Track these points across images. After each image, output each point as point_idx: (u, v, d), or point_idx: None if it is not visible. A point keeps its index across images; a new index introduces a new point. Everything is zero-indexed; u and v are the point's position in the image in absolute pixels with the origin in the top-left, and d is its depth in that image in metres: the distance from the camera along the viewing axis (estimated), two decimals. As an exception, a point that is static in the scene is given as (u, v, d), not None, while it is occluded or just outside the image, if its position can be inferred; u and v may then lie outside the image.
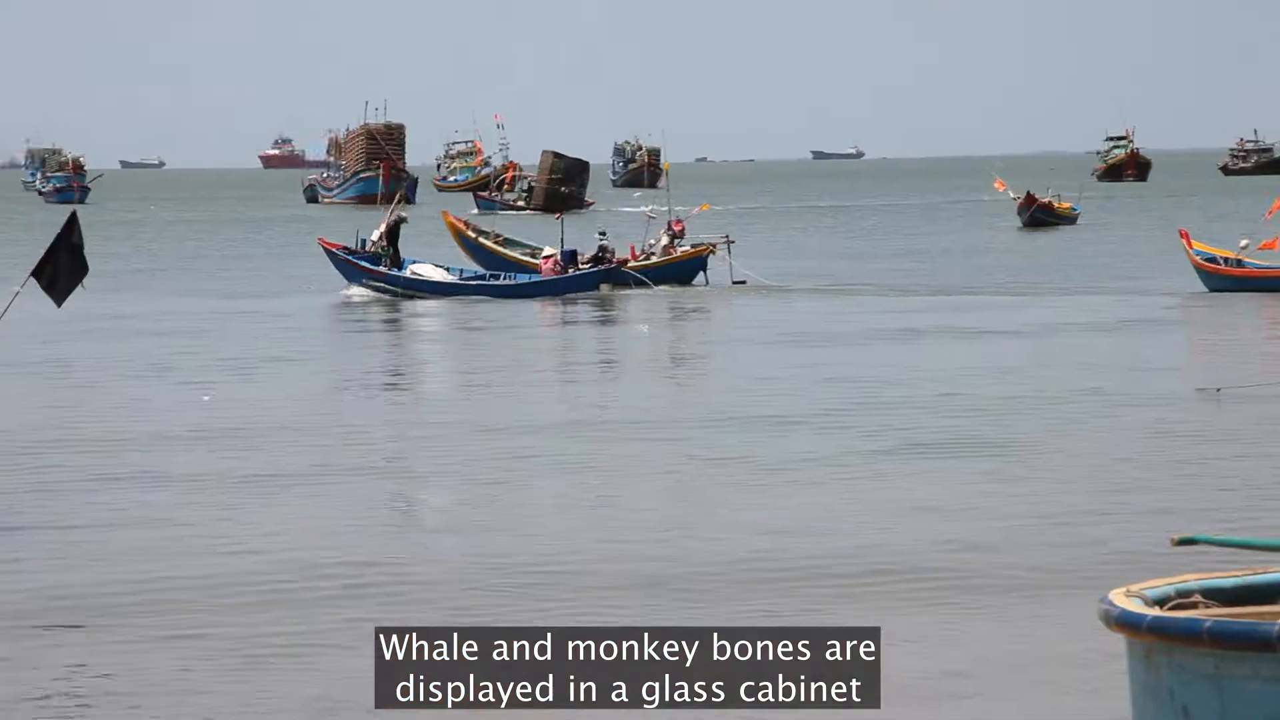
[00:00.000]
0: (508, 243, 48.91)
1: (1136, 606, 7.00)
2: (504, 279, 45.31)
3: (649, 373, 30.55)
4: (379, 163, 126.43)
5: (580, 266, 45.00)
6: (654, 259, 47.12)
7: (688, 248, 47.62)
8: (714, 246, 47.85)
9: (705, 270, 47.37)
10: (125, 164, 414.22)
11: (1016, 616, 13.46)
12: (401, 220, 45.72)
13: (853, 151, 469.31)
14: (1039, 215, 76.90)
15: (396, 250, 44.98)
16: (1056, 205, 78.77)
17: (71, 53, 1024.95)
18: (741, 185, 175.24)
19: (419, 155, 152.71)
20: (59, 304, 17.67)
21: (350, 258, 44.98)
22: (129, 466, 20.11)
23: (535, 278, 44.83)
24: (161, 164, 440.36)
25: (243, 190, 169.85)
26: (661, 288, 45.13)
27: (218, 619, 13.45)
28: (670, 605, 13.68)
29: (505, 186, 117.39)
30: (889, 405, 24.53)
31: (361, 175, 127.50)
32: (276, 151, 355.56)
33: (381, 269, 44.37)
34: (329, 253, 45.84)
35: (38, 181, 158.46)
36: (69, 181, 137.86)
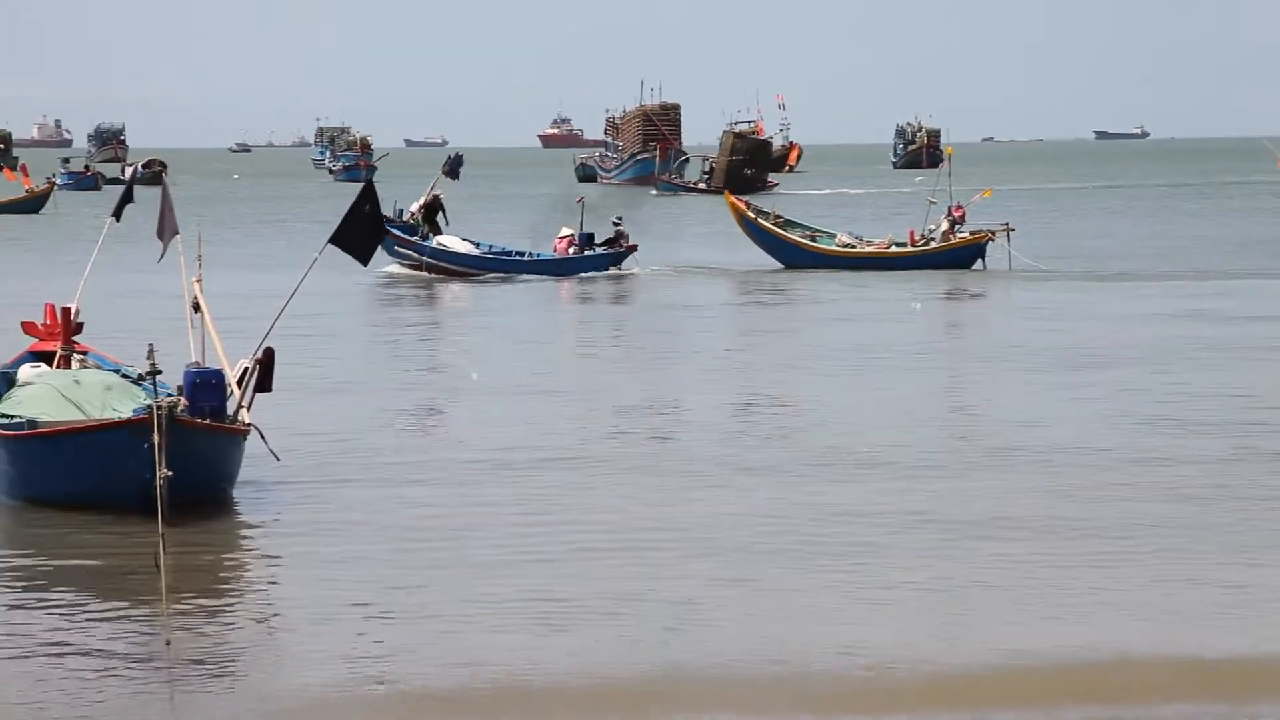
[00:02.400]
0: (787, 224, 49.11)
1: None
2: (528, 256, 46.21)
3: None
4: (656, 143, 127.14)
5: (595, 249, 45.73)
6: (933, 244, 47.06)
7: (967, 234, 47.40)
8: (993, 233, 47.52)
9: (984, 257, 47.13)
10: (410, 143, 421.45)
11: None
12: (438, 197, 46.37)
13: (1137, 131, 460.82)
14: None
15: (435, 225, 45.85)
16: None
17: (361, 33, 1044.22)
18: (1025, 166, 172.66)
19: (699, 135, 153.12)
20: (365, 264, 18.55)
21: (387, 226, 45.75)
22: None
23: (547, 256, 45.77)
24: (444, 143, 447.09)
25: (519, 169, 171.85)
26: (934, 272, 45.16)
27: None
28: None
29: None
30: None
31: (638, 156, 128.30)
32: (555, 131, 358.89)
33: (408, 238, 45.10)
34: None
35: (327, 160, 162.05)
36: (357, 160, 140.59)
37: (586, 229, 46.19)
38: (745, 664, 12.26)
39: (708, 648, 12.60)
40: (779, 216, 49.10)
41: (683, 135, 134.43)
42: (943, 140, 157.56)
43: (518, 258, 46.11)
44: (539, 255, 46.35)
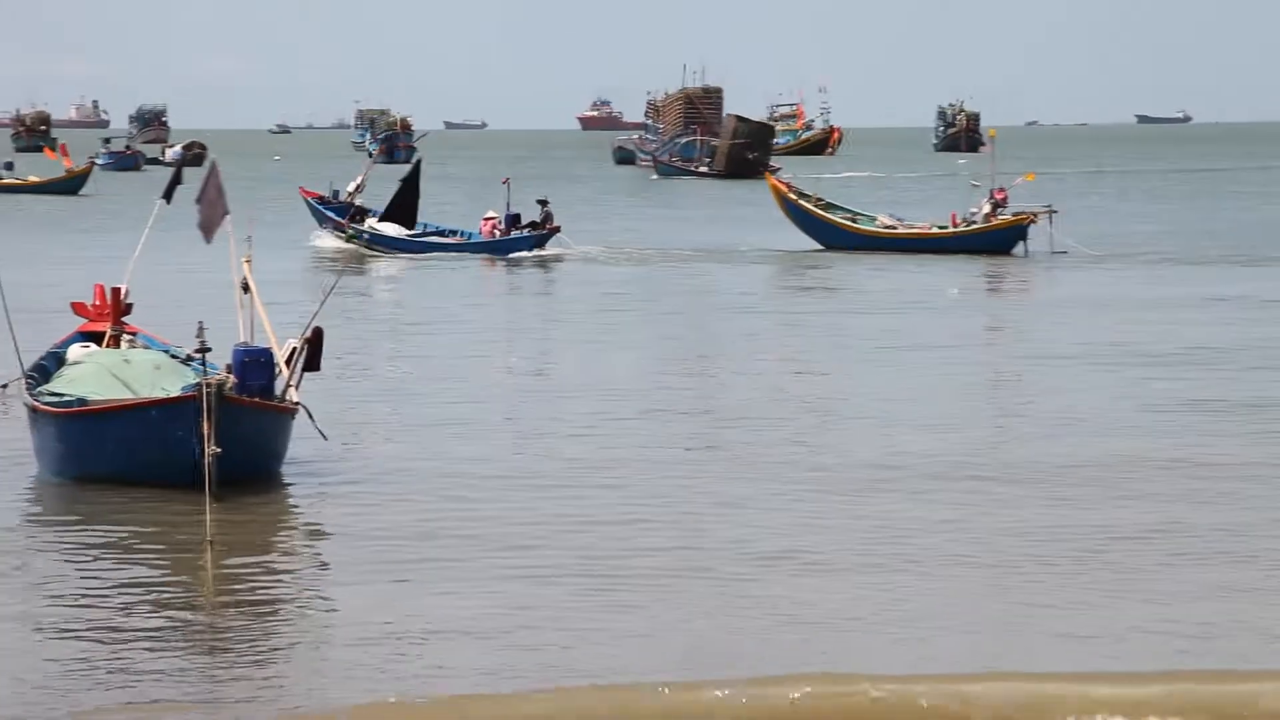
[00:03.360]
0: (829, 206, 49.10)
1: None
2: (460, 237, 47.22)
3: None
4: (697, 127, 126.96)
5: (521, 230, 46.61)
6: (975, 226, 46.97)
7: (1008, 216, 47.28)
8: (1035, 216, 47.36)
9: (1026, 240, 46.96)
10: (449, 124, 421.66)
11: None
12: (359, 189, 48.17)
13: (1179, 115, 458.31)
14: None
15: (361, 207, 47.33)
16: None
17: (401, 14, 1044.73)
18: (1069, 149, 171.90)
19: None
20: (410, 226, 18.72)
21: (321, 207, 48.24)
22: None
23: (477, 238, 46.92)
24: (484, 125, 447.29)
25: (557, 150, 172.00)
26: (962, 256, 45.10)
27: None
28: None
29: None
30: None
31: (679, 139, 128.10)
32: (595, 113, 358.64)
33: (339, 220, 47.16)
34: (306, 201, 49.22)
35: (367, 141, 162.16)
36: (396, 141, 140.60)
37: (526, 210, 47.12)
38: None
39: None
40: (820, 199, 49.16)
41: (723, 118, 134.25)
42: (983, 123, 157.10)
43: (448, 239, 47.00)
44: (471, 236, 47.34)
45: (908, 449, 19.11)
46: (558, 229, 46.45)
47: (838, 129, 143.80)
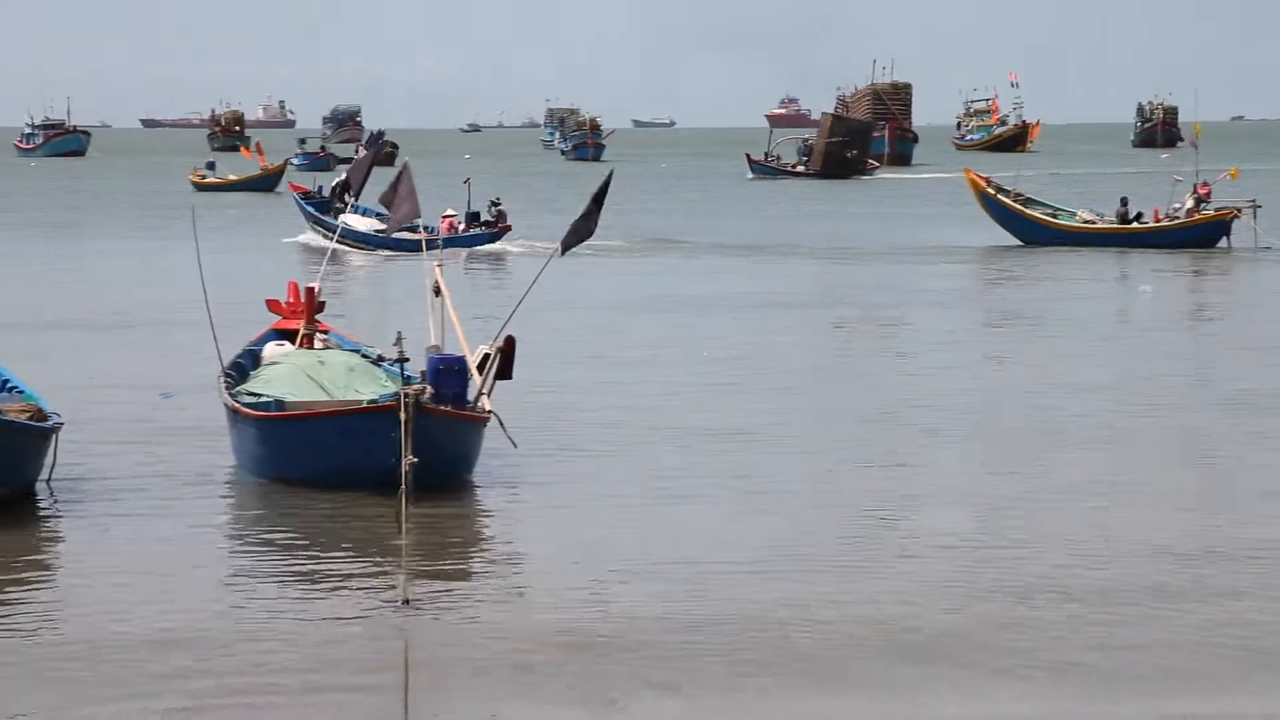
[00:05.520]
0: (1028, 202, 48.55)
1: None
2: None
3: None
4: (885, 123, 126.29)
5: (478, 228, 48.01)
6: (1178, 221, 46.10)
7: (1211, 211, 46.31)
8: (1238, 210, 46.36)
9: (1229, 235, 45.97)
10: (637, 123, 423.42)
11: None
12: (348, 185, 49.47)
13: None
14: None
15: (344, 203, 48.92)
16: None
17: (591, 12, 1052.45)
18: (1277, 144, 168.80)
19: (933, 115, 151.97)
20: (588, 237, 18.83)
21: (303, 202, 50.33)
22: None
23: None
24: (671, 123, 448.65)
25: (741, 147, 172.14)
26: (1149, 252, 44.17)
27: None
28: None
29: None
30: None
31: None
32: (782, 110, 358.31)
33: (321, 216, 49.04)
34: (293, 196, 51.56)
35: (556, 140, 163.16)
36: (585, 139, 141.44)
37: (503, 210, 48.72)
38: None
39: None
40: (1019, 194, 48.72)
41: (913, 115, 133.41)
42: (1180, 118, 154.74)
43: (413, 235, 47.63)
44: (433, 233, 48.29)
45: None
46: (509, 228, 48.03)
47: (1036, 124, 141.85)
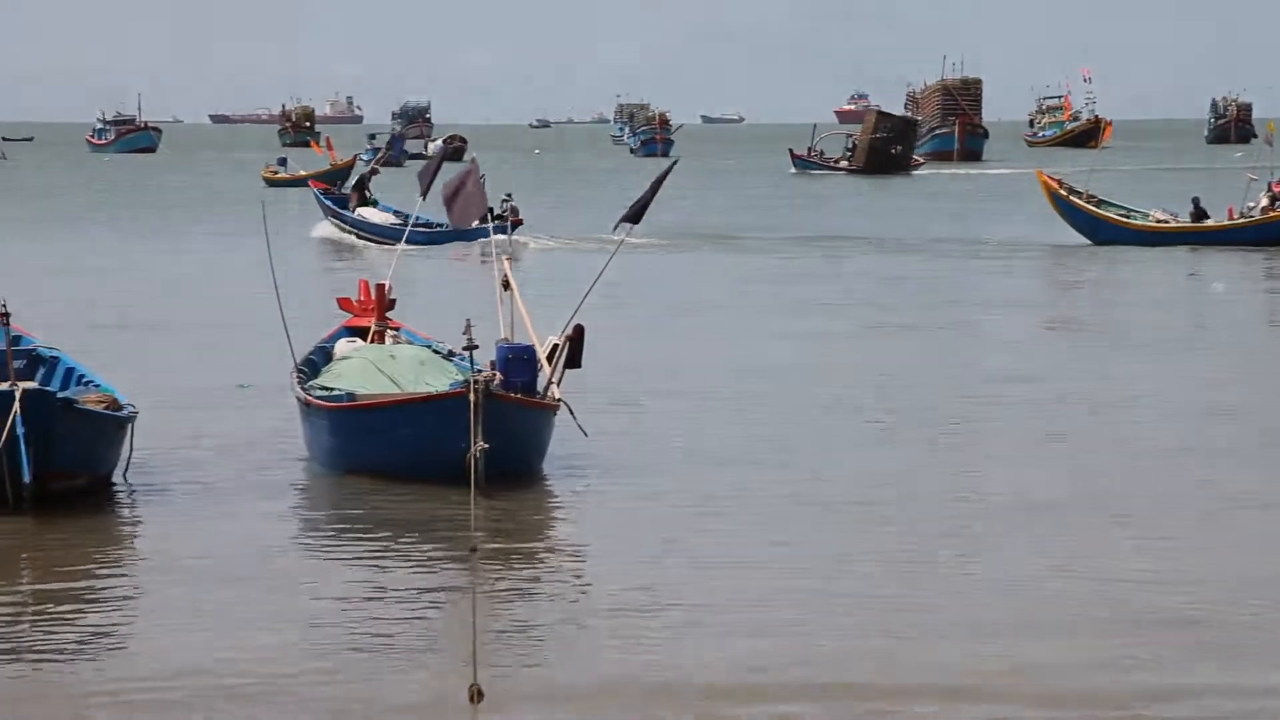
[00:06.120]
0: (1101, 203, 48.21)
1: None
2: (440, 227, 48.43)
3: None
4: (955, 118, 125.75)
5: (491, 221, 46.96)
6: (1253, 219, 45.75)
7: (1286, 209, 45.93)
8: (1315, 206, 45.93)
9: (1302, 232, 45.60)
10: (706, 119, 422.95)
11: None
12: (375, 173, 53.78)
13: None
14: None
15: (363, 197, 50.36)
16: None
17: (659, 7, 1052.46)
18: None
19: (1004, 111, 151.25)
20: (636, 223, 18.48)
21: (321, 196, 51.61)
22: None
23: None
24: (740, 119, 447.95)
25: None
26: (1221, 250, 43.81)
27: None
28: None
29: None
30: None
31: (937, 131, 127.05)
32: (852, 107, 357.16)
33: (340, 210, 50.09)
34: (314, 192, 52.90)
35: (626, 135, 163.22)
36: (654, 135, 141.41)
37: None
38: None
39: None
40: (1092, 194, 48.41)
41: (983, 110, 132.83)
42: (1255, 114, 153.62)
43: (432, 230, 47.82)
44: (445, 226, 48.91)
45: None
46: (520, 221, 48.61)
47: (1109, 124, 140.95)
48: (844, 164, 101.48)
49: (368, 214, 49.54)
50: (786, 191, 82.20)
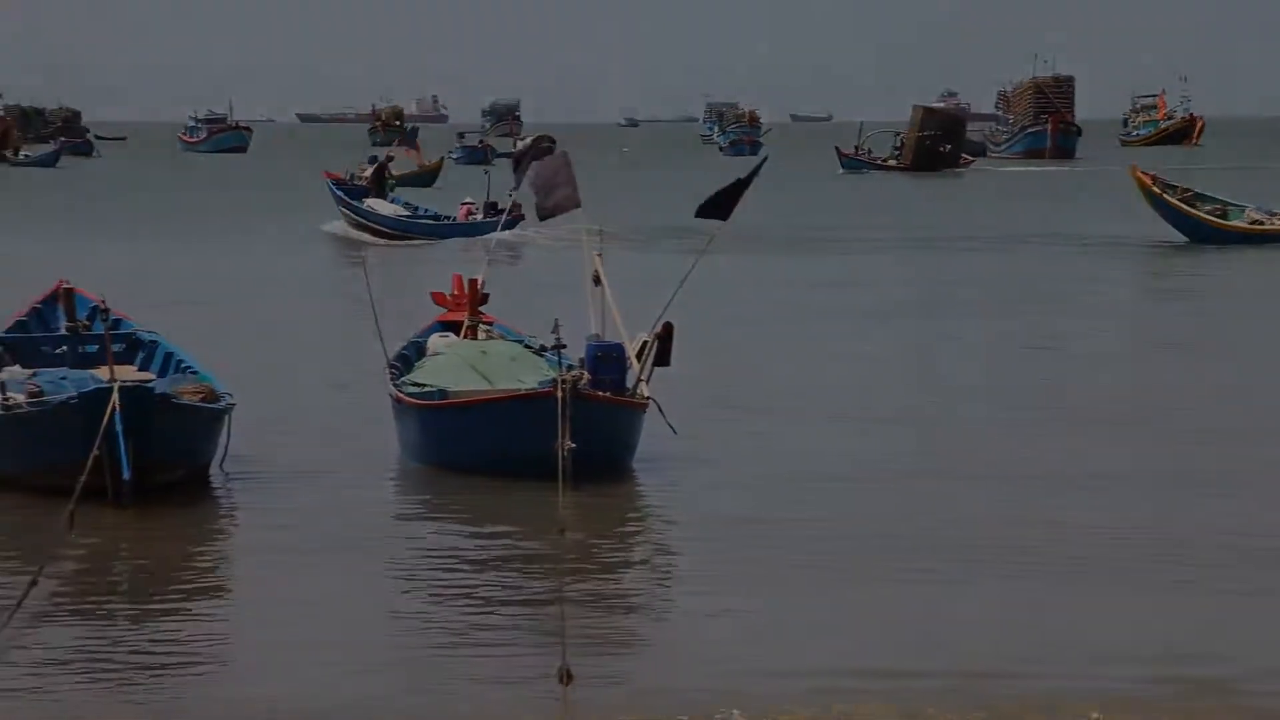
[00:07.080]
0: (1196, 198, 47.81)
1: None
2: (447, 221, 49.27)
3: None
4: (1047, 116, 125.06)
5: (496, 216, 47.89)
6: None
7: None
8: None
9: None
10: (795, 117, 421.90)
11: None
12: (390, 159, 54.15)
13: None
14: None
15: (381, 187, 50.83)
16: None
17: (745, 5, 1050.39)
18: None
19: (1098, 109, 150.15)
20: (724, 219, 18.29)
21: (334, 188, 51.47)
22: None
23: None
24: (829, 117, 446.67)
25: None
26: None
27: None
28: None
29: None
30: None
31: (1029, 129, 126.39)
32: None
33: (351, 200, 49.94)
34: (327, 184, 52.48)
35: (715, 134, 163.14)
36: (743, 135, 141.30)
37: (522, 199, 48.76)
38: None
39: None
40: (1187, 190, 48.06)
41: (1075, 109, 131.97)
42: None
43: (439, 222, 48.73)
44: (452, 220, 49.58)
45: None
46: (523, 216, 47.61)
47: (1200, 120, 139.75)
48: (891, 162, 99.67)
49: (376, 205, 49.43)
50: (847, 190, 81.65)
